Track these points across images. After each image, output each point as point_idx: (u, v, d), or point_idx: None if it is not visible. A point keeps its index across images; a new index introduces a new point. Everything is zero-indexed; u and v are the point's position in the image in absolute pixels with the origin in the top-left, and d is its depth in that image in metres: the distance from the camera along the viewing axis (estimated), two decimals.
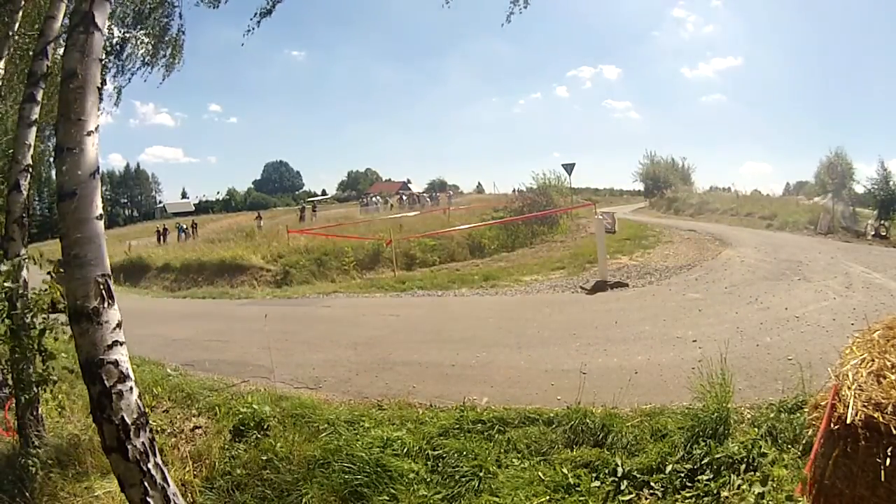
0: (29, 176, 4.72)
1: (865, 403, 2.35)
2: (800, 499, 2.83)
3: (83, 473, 4.34)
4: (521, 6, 6.70)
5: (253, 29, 6.91)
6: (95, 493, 4.09)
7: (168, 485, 2.76)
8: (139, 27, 7.40)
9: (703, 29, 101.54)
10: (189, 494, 4.08)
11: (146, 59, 7.71)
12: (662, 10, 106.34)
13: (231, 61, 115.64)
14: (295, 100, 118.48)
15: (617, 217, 20.39)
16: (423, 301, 10.94)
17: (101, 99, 3.01)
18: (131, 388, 2.74)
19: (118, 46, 7.44)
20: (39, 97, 4.81)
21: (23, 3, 5.48)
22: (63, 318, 3.16)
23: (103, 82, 3.08)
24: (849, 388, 2.47)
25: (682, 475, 3.67)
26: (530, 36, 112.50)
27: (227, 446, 4.67)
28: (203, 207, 71.24)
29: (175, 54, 7.79)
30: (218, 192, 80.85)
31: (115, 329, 2.71)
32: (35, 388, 4.28)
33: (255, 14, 6.85)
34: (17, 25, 5.58)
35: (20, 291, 4.28)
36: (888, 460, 2.22)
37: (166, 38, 7.62)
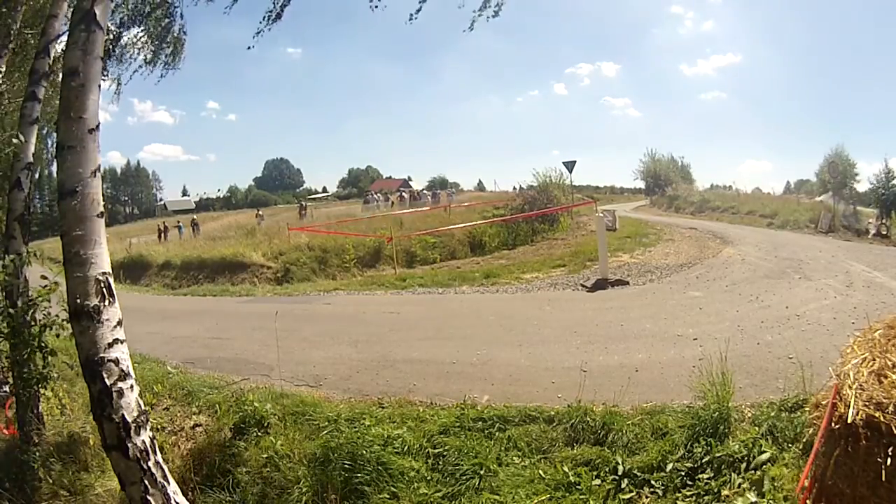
0: (30, 174, 4.73)
1: (866, 403, 2.35)
2: (799, 497, 2.83)
3: (83, 471, 4.35)
4: (489, 14, 6.67)
5: (263, 32, 6.87)
6: (96, 491, 4.10)
7: (168, 483, 2.76)
8: (139, 26, 7.37)
9: (702, 26, 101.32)
10: (189, 492, 4.08)
11: (147, 59, 7.70)
12: (661, 6, 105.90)
13: (228, 58, 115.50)
14: (293, 97, 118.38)
15: (618, 215, 20.45)
16: (424, 299, 10.93)
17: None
18: (132, 387, 2.74)
19: (115, 43, 7.41)
20: (41, 95, 4.81)
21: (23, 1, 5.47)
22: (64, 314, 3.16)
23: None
24: (850, 387, 2.46)
25: (683, 474, 3.68)
26: (528, 33, 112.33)
27: (227, 444, 4.68)
28: (204, 205, 71.27)
29: (176, 54, 7.78)
30: (219, 190, 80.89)
31: (115, 327, 2.72)
32: (35, 386, 4.29)
33: (265, 18, 6.79)
34: (18, 24, 5.58)
35: (20, 288, 4.30)
36: (889, 460, 2.22)
37: (168, 39, 7.61)
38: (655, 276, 10.85)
